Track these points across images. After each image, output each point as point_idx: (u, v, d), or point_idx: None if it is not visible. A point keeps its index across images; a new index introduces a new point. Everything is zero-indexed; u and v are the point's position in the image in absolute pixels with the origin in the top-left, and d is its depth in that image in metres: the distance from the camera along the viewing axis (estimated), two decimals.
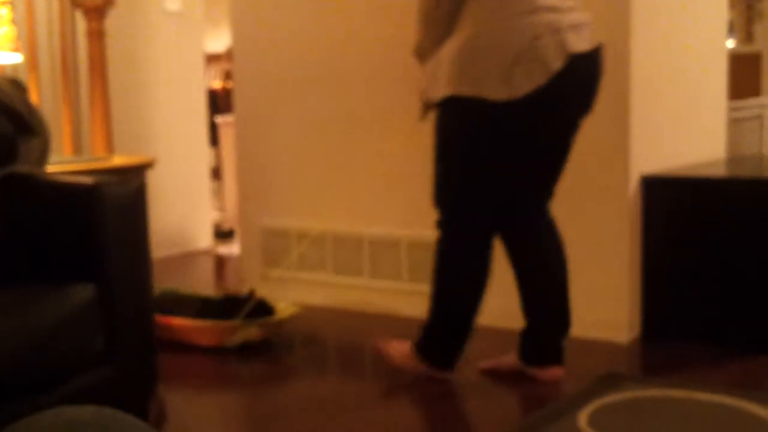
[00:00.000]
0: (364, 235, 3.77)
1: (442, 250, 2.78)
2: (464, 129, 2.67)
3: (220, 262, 5.23)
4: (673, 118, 3.51)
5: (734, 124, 4.32)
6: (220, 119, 6.34)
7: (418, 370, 2.88)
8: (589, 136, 3.26)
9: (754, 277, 3.13)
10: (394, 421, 2.57)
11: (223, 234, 5.84)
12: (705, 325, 3.20)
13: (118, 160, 3.66)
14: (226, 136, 6.08)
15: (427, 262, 3.62)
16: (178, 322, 3.31)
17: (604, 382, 2.80)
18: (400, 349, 2.93)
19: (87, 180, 2.24)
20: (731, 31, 4.94)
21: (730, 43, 4.59)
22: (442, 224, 2.79)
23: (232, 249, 5.52)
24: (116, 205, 2.20)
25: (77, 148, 4.16)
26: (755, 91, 5.03)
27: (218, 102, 10.64)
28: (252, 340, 3.29)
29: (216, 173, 6.29)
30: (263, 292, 4.09)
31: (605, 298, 3.28)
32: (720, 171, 3.53)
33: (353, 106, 3.80)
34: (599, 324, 3.26)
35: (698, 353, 3.10)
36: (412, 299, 3.64)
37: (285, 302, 3.54)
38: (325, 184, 3.90)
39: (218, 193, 6.77)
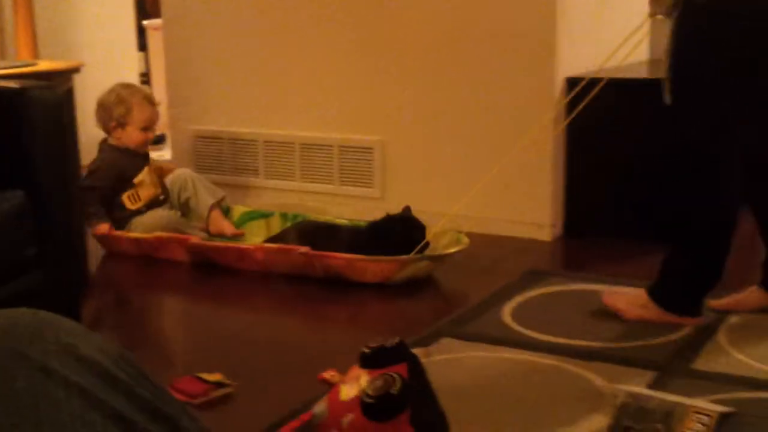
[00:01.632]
0: (296, 138, 3.80)
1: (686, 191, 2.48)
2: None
3: None
4: (598, 21, 3.56)
5: (655, 24, 4.37)
6: (147, 23, 6.23)
7: (661, 318, 2.50)
8: (515, 40, 3.31)
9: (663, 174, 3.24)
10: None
11: (153, 140, 5.80)
12: (624, 222, 3.31)
13: (44, 65, 3.61)
14: (155, 41, 5.99)
15: (357, 165, 3.68)
16: (341, 257, 2.91)
17: (528, 278, 2.91)
18: (630, 300, 2.58)
19: (13, 84, 2.23)
20: None
21: None
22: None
23: (163, 155, 5.50)
24: (44, 109, 2.19)
25: (2, 54, 4.09)
26: None
27: (146, 5, 10.38)
28: (419, 275, 2.94)
29: (145, 78, 6.21)
30: None
31: (530, 198, 3.37)
32: (641, 72, 3.61)
33: (287, 9, 3.78)
34: (524, 223, 3.36)
35: (617, 248, 3.22)
36: (342, 202, 3.70)
37: (449, 232, 3.11)
38: (257, 88, 3.90)
39: None
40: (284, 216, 3.48)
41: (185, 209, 3.48)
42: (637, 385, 2.04)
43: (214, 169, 4.06)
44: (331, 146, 3.72)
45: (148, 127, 3.43)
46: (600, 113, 3.34)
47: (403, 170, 3.61)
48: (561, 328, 2.46)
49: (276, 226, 3.45)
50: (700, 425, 1.81)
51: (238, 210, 3.59)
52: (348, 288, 2.87)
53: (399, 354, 1.98)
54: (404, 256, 2.88)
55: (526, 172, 3.36)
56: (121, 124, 3.40)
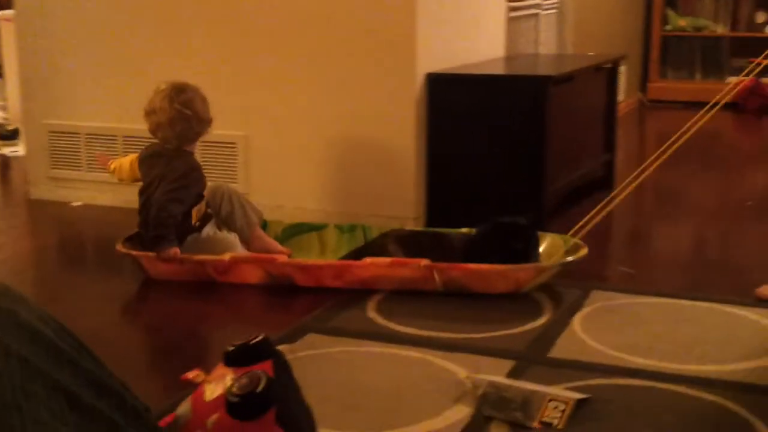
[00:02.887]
0: None
1: None
2: None
3: (5, 164, 5.03)
4: (456, 19, 3.63)
5: (512, 23, 4.50)
6: None
7: None
8: (377, 35, 3.35)
9: (530, 167, 3.34)
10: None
11: (6, 135, 5.60)
12: (485, 214, 3.39)
13: None
14: (7, 32, 5.78)
15: (221, 161, 3.64)
16: (474, 268, 2.69)
17: None
18: None
19: None
20: None
21: None
22: None
23: (17, 150, 5.31)
24: None
25: None
26: None
27: None
28: (542, 282, 2.74)
29: None
30: (50, 194, 3.99)
31: (395, 192, 3.41)
32: (498, 68, 3.71)
33: (145, 1, 3.71)
34: (388, 218, 3.39)
35: None
36: None
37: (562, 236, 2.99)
38: (115, 81, 3.81)
39: (0, 92, 6.45)
40: (340, 228, 3.21)
41: (226, 226, 3.04)
42: (497, 375, 2.10)
43: (70, 165, 3.95)
44: None
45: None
46: (459, 108, 3.42)
47: (267, 166, 3.59)
48: (425, 321, 2.50)
49: (332, 239, 3.19)
50: (556, 412, 1.88)
51: (279, 224, 3.24)
52: (226, 287, 2.85)
53: (264, 351, 1.97)
54: (543, 264, 2.78)
55: (388, 166, 3.40)
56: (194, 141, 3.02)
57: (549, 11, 5.21)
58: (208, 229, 2.97)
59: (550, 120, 3.34)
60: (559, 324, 2.47)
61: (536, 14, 5.03)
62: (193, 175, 2.94)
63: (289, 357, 2.08)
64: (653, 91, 6.68)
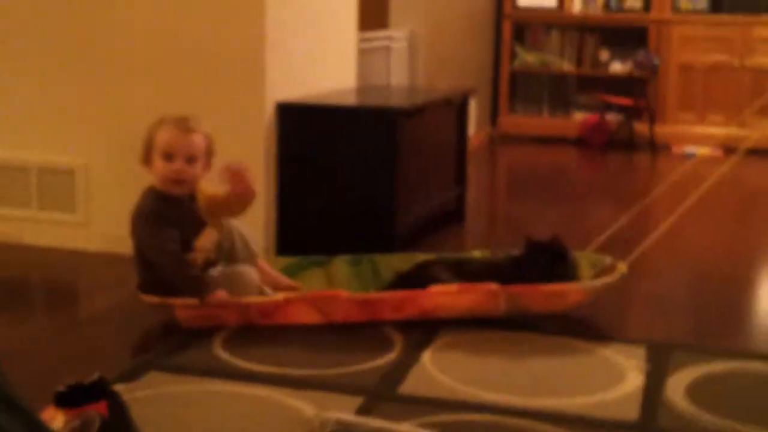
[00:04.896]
0: None
1: None
2: None
3: None
4: (307, 48, 3.58)
5: (364, 54, 4.50)
6: None
7: None
8: (226, 63, 3.27)
9: (382, 198, 3.32)
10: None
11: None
12: (336, 248, 3.35)
13: None
14: None
15: (58, 189, 3.47)
16: (543, 289, 2.68)
17: None
18: None
19: None
20: None
21: None
22: None
23: None
24: None
25: None
26: (383, 24, 5.28)
27: None
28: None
29: None
30: None
31: (243, 223, 3.32)
32: (349, 99, 3.69)
33: None
34: None
35: None
36: (40, 228, 3.48)
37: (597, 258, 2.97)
38: None
39: None
40: (356, 260, 3.02)
41: (228, 261, 2.76)
42: (345, 412, 2.04)
43: None
44: (27, 168, 3.49)
45: (170, 154, 2.64)
46: (310, 138, 3.38)
47: (108, 195, 3.44)
48: (273, 357, 2.43)
49: (340, 272, 3.00)
50: None
51: (279, 261, 3.05)
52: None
53: (98, 391, 1.86)
54: (596, 283, 2.77)
55: None
56: (147, 156, 2.69)
57: (400, 44, 5.25)
58: (219, 266, 2.70)
59: (401, 152, 3.33)
60: (410, 358, 2.44)
61: (388, 46, 5.06)
62: (141, 222, 2.65)
63: (126, 397, 1.98)
64: (503, 125, 6.82)
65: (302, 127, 3.37)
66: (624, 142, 6.51)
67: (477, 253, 3.09)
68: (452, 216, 4.03)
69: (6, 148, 3.51)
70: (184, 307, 2.61)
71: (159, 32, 3.32)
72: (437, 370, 2.36)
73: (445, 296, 2.69)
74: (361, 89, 4.08)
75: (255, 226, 3.30)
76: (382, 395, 2.20)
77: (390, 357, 2.45)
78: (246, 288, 2.68)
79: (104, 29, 3.37)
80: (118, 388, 2.01)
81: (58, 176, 3.47)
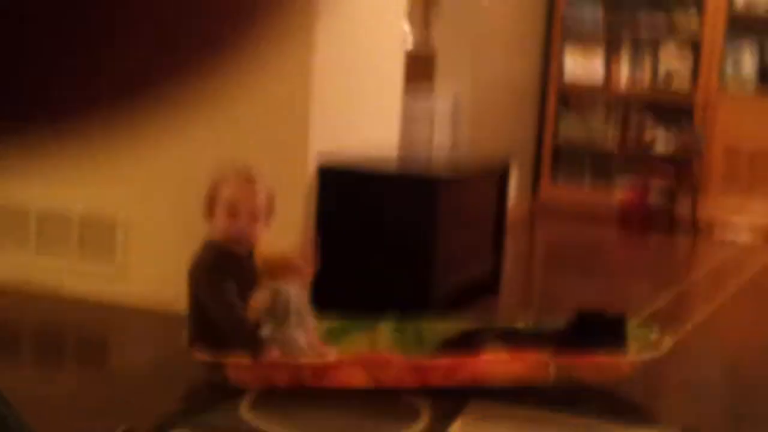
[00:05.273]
0: (31, 207, 3.58)
1: None
2: None
3: None
4: (352, 109, 3.62)
5: (408, 119, 4.53)
6: None
7: None
8: (269, 125, 3.30)
9: (418, 268, 3.32)
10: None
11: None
12: (370, 312, 3.34)
13: None
14: None
15: (97, 239, 3.51)
16: (593, 360, 2.72)
17: None
18: None
19: None
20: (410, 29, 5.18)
21: (409, 44, 4.82)
22: None
23: None
24: None
25: None
26: (429, 88, 5.31)
27: None
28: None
29: None
30: None
31: None
32: (390, 166, 3.71)
33: None
34: None
35: None
36: (79, 279, 3.52)
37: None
38: None
39: None
40: (401, 327, 3.00)
41: (279, 326, 2.70)
42: None
43: None
44: (70, 218, 3.53)
45: (234, 210, 2.63)
46: (349, 204, 3.39)
47: (148, 249, 3.47)
48: (301, 422, 2.42)
49: (384, 338, 2.96)
50: None
51: (324, 323, 2.90)
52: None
53: None
54: (641, 354, 2.78)
55: None
56: (210, 209, 2.67)
57: (444, 109, 5.28)
58: (267, 329, 2.64)
59: (441, 220, 3.34)
60: (440, 426, 2.41)
61: (431, 110, 5.09)
62: (202, 273, 2.64)
63: None
64: (544, 196, 6.80)
65: (342, 192, 3.39)
66: (665, 223, 6.44)
67: (520, 324, 3.09)
68: (488, 287, 4.01)
69: (50, 198, 3.56)
70: (235, 365, 2.61)
71: None
72: None
73: (496, 363, 2.68)
74: (404, 155, 4.10)
75: None
76: None
77: (416, 428, 2.43)
78: (293, 352, 2.65)
79: None
80: None
81: (99, 227, 3.50)
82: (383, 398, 2.62)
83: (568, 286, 4.62)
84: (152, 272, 3.44)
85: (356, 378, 2.65)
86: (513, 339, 2.83)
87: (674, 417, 2.71)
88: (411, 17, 5.02)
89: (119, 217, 3.48)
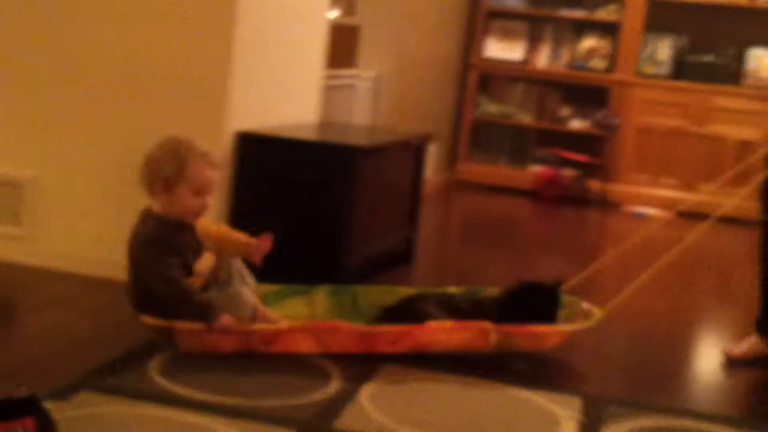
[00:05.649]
0: None
1: None
2: None
3: None
4: (272, 80, 3.60)
5: (329, 91, 4.53)
6: None
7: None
8: (189, 89, 3.27)
9: (333, 235, 3.33)
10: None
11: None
12: (284, 280, 3.35)
13: None
14: None
15: (3, 201, 3.44)
16: (532, 329, 2.83)
17: None
18: (746, 345, 3.15)
19: None
20: (334, 2, 5.17)
21: (333, 14, 4.81)
22: None
23: None
24: None
25: None
26: (350, 62, 5.32)
27: None
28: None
29: None
30: None
31: None
32: (310, 134, 3.71)
33: None
34: None
35: None
36: None
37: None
38: None
39: None
40: (337, 291, 3.10)
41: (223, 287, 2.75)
42: None
43: None
44: None
45: (201, 190, 2.66)
46: (267, 170, 3.38)
47: (58, 212, 3.41)
48: (211, 385, 2.41)
49: (321, 302, 3.06)
50: None
51: (260, 287, 2.90)
52: None
53: (27, 407, 1.85)
54: (577, 325, 2.91)
55: None
56: (169, 185, 2.65)
57: (365, 84, 5.29)
58: (213, 290, 2.70)
59: (358, 189, 3.35)
60: (347, 395, 2.44)
61: (353, 85, 5.09)
62: (145, 249, 2.64)
63: (56, 416, 1.96)
64: (461, 171, 6.88)
65: (261, 158, 3.38)
66: (576, 198, 6.60)
67: (453, 289, 3.16)
68: (401, 257, 4.05)
69: None
70: (185, 331, 2.61)
71: (123, 51, 3.31)
72: (373, 408, 2.36)
73: (441, 332, 2.75)
74: (323, 125, 4.11)
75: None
76: (316, 430, 2.20)
77: (328, 391, 2.45)
78: (242, 309, 2.69)
79: (68, 45, 3.36)
80: (49, 405, 1.99)
81: (3, 189, 3.43)
82: (293, 362, 2.64)
83: (481, 258, 4.69)
84: (64, 234, 3.39)
85: (304, 344, 2.70)
86: (452, 307, 2.90)
87: (578, 384, 2.78)
88: None
89: (26, 177, 3.41)
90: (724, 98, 6.56)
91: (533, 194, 6.58)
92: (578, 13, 6.85)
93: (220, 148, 3.27)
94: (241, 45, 3.28)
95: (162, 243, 2.64)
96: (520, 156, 7.02)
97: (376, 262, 3.75)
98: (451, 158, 7.04)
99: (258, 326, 2.69)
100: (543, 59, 6.95)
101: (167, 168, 2.63)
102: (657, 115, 6.67)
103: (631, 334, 3.38)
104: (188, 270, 2.68)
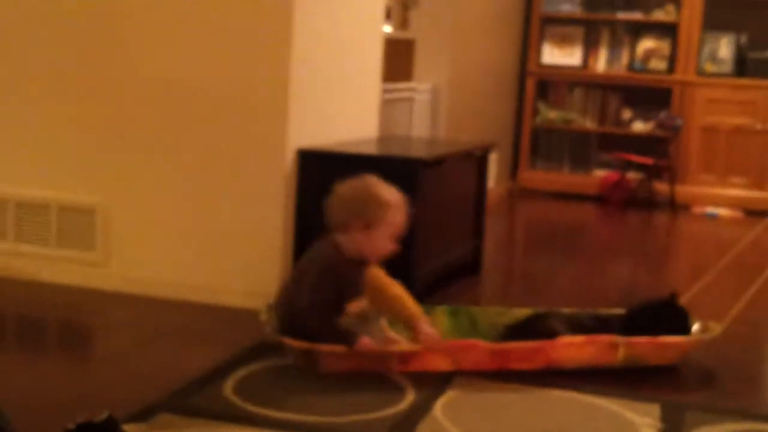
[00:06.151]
0: (10, 196, 3.56)
1: None
2: None
3: None
4: (330, 96, 3.62)
5: (387, 105, 4.53)
6: None
7: None
8: (249, 109, 3.30)
9: (401, 249, 3.31)
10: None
11: None
12: None
13: None
14: None
15: (76, 226, 3.49)
16: (659, 341, 2.87)
17: (252, 350, 2.85)
18: None
19: None
20: (388, 17, 5.18)
21: (387, 29, 4.81)
22: None
23: None
24: None
25: None
26: (407, 76, 5.32)
27: None
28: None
29: None
30: None
31: (259, 269, 3.33)
32: (371, 148, 3.71)
33: None
34: (252, 294, 3.31)
35: None
36: (58, 266, 3.50)
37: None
38: None
39: None
40: (455, 311, 3.13)
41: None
42: None
43: None
44: (48, 206, 3.51)
45: (394, 236, 2.79)
46: (330, 186, 3.38)
47: (127, 235, 3.46)
48: (285, 403, 2.41)
49: (440, 323, 3.04)
50: None
51: None
52: None
53: (108, 429, 1.86)
54: (704, 336, 2.95)
55: (254, 241, 3.32)
56: (369, 226, 2.75)
57: (423, 96, 5.28)
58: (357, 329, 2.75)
59: (421, 202, 3.33)
60: (421, 409, 2.42)
61: (411, 98, 5.09)
62: (318, 275, 2.74)
63: None
64: (523, 180, 6.83)
65: (323, 174, 3.38)
66: (644, 201, 6.51)
67: (566, 311, 3.16)
68: (469, 269, 4.02)
69: (27, 186, 3.55)
70: (328, 353, 2.67)
71: (184, 75, 3.35)
72: (448, 422, 2.34)
73: (571, 347, 2.80)
74: (383, 139, 4.10)
75: (270, 270, 3.31)
76: None
77: (401, 407, 2.43)
78: (377, 334, 2.78)
79: (134, 71, 3.41)
80: (129, 428, 2.01)
81: (77, 215, 3.49)
82: (367, 380, 2.63)
83: (550, 266, 4.64)
84: (136, 258, 3.43)
85: (439, 362, 2.75)
86: (578, 325, 2.96)
87: (655, 391, 2.73)
88: (389, 1, 5.02)
89: (97, 202, 3.46)
90: None
91: (599, 199, 6.51)
92: (635, 15, 6.78)
93: (282, 166, 3.29)
94: (298, 62, 3.30)
95: (337, 275, 2.74)
96: (583, 161, 6.96)
97: (444, 275, 3.73)
98: (513, 167, 7.00)
99: (397, 348, 2.76)
100: (601, 63, 6.89)
101: (372, 210, 2.74)
102: (721, 113, 6.56)
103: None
104: (342, 305, 2.75)
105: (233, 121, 3.32)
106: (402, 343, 2.81)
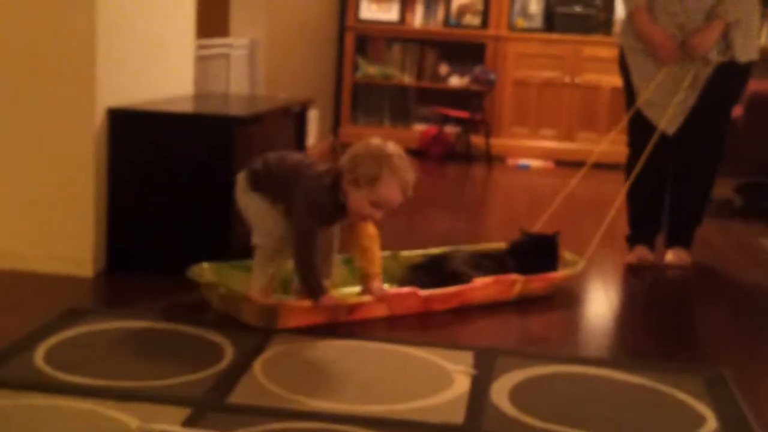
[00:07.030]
0: None
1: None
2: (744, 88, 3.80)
3: None
4: (141, 52, 3.51)
5: (203, 61, 4.44)
6: None
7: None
8: (53, 66, 3.16)
9: (217, 208, 3.28)
10: None
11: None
12: (165, 258, 3.28)
13: None
14: None
15: None
16: (550, 277, 3.25)
17: (64, 317, 2.76)
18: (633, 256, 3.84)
19: None
20: None
21: None
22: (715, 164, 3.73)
23: None
24: None
25: None
26: (224, 31, 5.23)
27: None
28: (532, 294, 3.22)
29: None
30: None
31: (70, 233, 3.23)
32: (185, 106, 3.63)
33: None
34: (64, 259, 3.21)
35: (161, 284, 3.15)
36: None
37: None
38: None
39: None
40: (348, 260, 3.22)
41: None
42: (171, 424, 2.01)
43: None
44: None
45: (379, 206, 2.78)
46: (144, 146, 3.30)
47: None
48: (98, 370, 2.36)
49: (337, 272, 3.14)
50: None
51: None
52: None
53: None
54: (574, 271, 3.35)
55: (65, 206, 3.21)
56: (355, 183, 2.76)
57: (240, 52, 5.21)
58: None
59: (237, 161, 3.30)
60: (240, 368, 2.42)
61: (227, 54, 5.01)
62: (308, 211, 2.80)
63: None
64: (345, 135, 6.87)
65: (136, 134, 3.30)
66: (461, 154, 6.68)
67: (462, 252, 3.40)
68: None
69: None
70: (292, 309, 2.79)
71: None
72: (267, 380, 2.35)
73: (482, 288, 3.09)
74: (198, 96, 4.02)
75: (84, 237, 3.21)
76: (209, 405, 2.17)
77: (220, 366, 2.42)
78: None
79: None
80: None
81: None
82: (183, 340, 2.61)
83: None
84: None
85: (378, 310, 2.93)
86: (477, 264, 3.22)
87: (469, 339, 2.83)
88: None
89: None
90: (595, 48, 6.71)
91: (419, 153, 6.62)
92: None
93: (91, 126, 3.18)
94: (105, 16, 3.18)
95: (323, 213, 2.80)
96: (403, 116, 7.06)
97: None
98: (335, 123, 7.02)
99: (353, 300, 2.92)
100: (418, 18, 6.98)
101: (365, 172, 2.74)
102: (532, 68, 6.79)
103: None
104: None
105: (36, 80, 3.18)
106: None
